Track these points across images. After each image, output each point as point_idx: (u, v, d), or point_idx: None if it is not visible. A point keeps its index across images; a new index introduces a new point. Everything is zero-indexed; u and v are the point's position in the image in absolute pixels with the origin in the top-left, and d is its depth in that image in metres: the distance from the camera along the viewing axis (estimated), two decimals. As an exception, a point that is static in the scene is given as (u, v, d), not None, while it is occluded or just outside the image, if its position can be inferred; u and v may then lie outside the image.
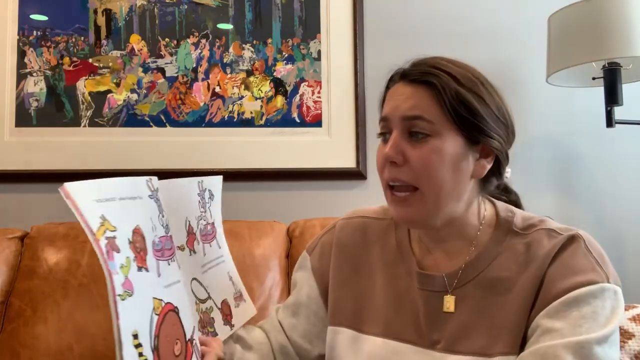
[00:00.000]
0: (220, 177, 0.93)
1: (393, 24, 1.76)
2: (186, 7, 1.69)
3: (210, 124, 1.68)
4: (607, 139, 1.77)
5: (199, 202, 0.85)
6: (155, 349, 0.60)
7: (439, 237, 0.82)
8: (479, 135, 0.75)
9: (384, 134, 0.79)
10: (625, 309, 1.15)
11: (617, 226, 1.78)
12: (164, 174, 1.77)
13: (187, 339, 0.68)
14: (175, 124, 1.67)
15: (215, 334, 0.80)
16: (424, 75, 0.75)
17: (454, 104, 0.73)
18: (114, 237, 0.59)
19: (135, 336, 0.58)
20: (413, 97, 0.75)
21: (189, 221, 0.80)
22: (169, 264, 0.67)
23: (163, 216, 0.69)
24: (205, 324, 0.78)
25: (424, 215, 0.76)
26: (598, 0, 1.46)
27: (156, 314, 0.62)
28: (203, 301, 0.79)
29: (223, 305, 0.84)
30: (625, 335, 1.08)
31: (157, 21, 1.69)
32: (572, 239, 0.75)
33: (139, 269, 0.61)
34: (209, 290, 0.81)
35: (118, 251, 0.59)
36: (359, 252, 0.89)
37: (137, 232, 0.63)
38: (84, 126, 1.64)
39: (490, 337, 0.74)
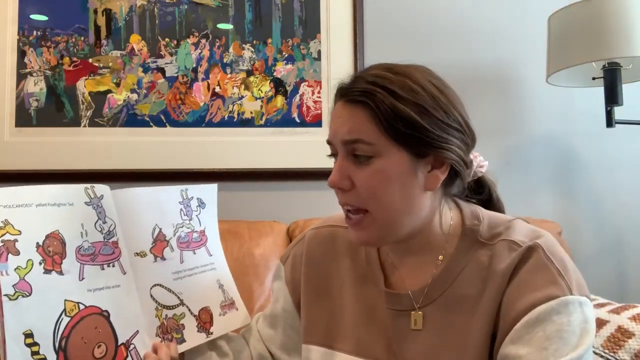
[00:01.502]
0: (214, 186, 0.93)
1: (393, 24, 1.76)
2: (186, 7, 1.69)
3: (210, 124, 1.68)
4: (607, 139, 1.77)
5: (181, 210, 0.86)
6: (61, 350, 0.65)
7: (405, 251, 0.79)
8: (424, 148, 0.71)
9: (334, 155, 0.76)
10: (625, 309, 1.15)
11: (617, 226, 1.78)
12: (164, 174, 1.77)
13: (118, 343, 0.70)
14: (175, 124, 1.67)
15: (182, 340, 0.80)
16: (360, 95, 0.72)
17: (391, 121, 0.69)
18: (15, 241, 0.64)
19: (29, 335, 0.63)
20: (350, 119, 0.72)
21: (160, 229, 0.82)
22: (103, 269, 0.72)
23: (105, 222, 0.74)
24: (170, 330, 0.79)
25: (378, 237, 0.75)
26: (598, 0, 1.46)
27: (68, 316, 0.66)
28: (170, 307, 0.80)
29: (202, 312, 0.85)
30: (626, 334, 1.08)
31: (157, 21, 1.69)
32: (530, 252, 0.71)
33: (47, 271, 0.66)
34: (182, 297, 0.82)
35: (16, 254, 0.64)
36: (329, 264, 0.86)
37: (53, 236, 0.68)
38: (84, 126, 1.64)
39: (457, 357, 0.72)
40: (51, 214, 0.69)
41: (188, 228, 0.87)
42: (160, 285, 0.80)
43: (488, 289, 0.72)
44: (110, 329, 0.71)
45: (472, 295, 0.73)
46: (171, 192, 0.86)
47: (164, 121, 1.67)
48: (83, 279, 0.70)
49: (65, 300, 0.67)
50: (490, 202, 0.84)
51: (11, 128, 1.63)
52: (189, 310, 0.83)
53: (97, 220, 0.74)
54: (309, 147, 1.69)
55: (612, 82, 1.52)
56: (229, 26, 1.71)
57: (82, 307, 0.68)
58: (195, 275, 0.86)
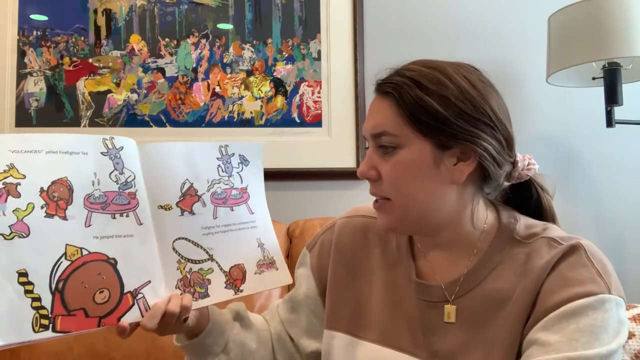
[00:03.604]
0: (259, 145, 0.94)
1: (393, 24, 1.76)
2: (186, 7, 1.69)
3: (210, 124, 1.68)
4: (607, 139, 1.77)
5: (219, 166, 0.87)
6: (58, 291, 0.67)
7: (435, 244, 0.80)
8: (447, 139, 0.72)
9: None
10: (625, 309, 1.15)
11: (617, 226, 1.78)
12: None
13: (124, 291, 0.72)
14: (175, 124, 1.67)
15: (205, 295, 0.81)
16: (386, 85, 0.75)
17: (414, 111, 0.71)
18: (17, 184, 0.67)
19: (23, 274, 0.65)
20: (378, 112, 0.76)
21: (191, 183, 0.83)
22: (114, 218, 0.74)
23: (122, 173, 0.76)
24: (193, 284, 0.80)
25: (398, 223, 0.77)
26: (598, 0, 1.46)
27: (68, 260, 0.68)
28: (196, 262, 0.81)
29: (234, 269, 0.85)
30: (626, 335, 1.08)
31: (157, 21, 1.69)
32: (572, 249, 0.72)
33: (49, 215, 0.68)
34: (212, 252, 0.83)
35: (17, 196, 0.66)
36: (359, 253, 0.87)
37: (60, 182, 0.70)
38: (84, 126, 1.64)
39: (487, 351, 0.72)
40: (61, 161, 0.71)
41: (226, 184, 0.87)
42: (186, 239, 0.81)
43: (524, 282, 0.72)
44: (117, 277, 0.72)
45: (506, 289, 0.73)
46: (208, 148, 0.87)
47: (164, 121, 1.67)
48: (90, 225, 0.71)
49: (67, 244, 0.69)
50: (538, 209, 0.82)
51: (11, 128, 1.63)
52: (219, 266, 0.83)
53: (113, 171, 0.75)
54: (309, 147, 1.69)
55: (612, 82, 1.52)
56: (229, 26, 1.71)
57: (85, 252, 0.70)
58: (230, 232, 0.86)
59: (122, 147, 0.77)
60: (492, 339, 0.72)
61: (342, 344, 0.83)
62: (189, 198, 0.83)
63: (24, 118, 1.63)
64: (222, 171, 0.88)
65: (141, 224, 0.76)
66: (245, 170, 0.91)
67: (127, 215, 0.75)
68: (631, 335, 1.08)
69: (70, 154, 0.72)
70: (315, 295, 0.90)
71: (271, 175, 1.67)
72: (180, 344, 0.83)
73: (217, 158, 0.88)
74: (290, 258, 1.46)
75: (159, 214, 0.79)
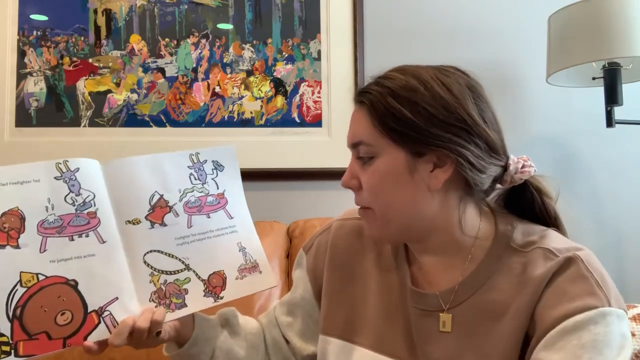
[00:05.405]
0: (231, 148, 0.94)
1: (393, 24, 1.76)
2: (186, 7, 1.69)
3: (210, 124, 1.68)
4: (607, 139, 1.77)
5: (191, 175, 0.87)
6: (15, 318, 0.69)
7: (425, 250, 0.78)
8: (420, 146, 0.70)
9: None
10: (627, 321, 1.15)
11: (617, 226, 1.78)
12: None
13: (88, 310, 0.73)
14: (175, 124, 1.67)
15: (182, 305, 0.80)
16: (361, 95, 0.75)
17: (385, 119, 0.71)
18: None
19: None
20: (355, 122, 0.76)
21: (161, 195, 0.83)
22: (72, 240, 0.74)
23: (78, 194, 0.76)
24: (168, 295, 0.79)
25: (383, 232, 0.76)
26: (598, 0, 1.46)
27: (24, 287, 0.70)
28: (171, 273, 0.81)
29: (213, 277, 0.84)
30: (626, 335, 1.07)
31: (157, 21, 1.69)
32: (569, 262, 0.70)
33: (1, 246, 0.70)
34: (188, 262, 0.83)
35: None
36: (354, 257, 0.86)
37: (11, 213, 0.72)
38: (84, 126, 1.64)
39: None
40: (11, 193, 0.73)
41: (200, 192, 0.87)
42: (158, 251, 0.81)
43: (520, 295, 0.70)
44: (78, 297, 0.73)
45: (501, 300, 0.72)
46: (178, 158, 0.87)
47: (164, 121, 1.67)
48: (45, 250, 0.73)
49: (22, 272, 0.70)
50: (539, 213, 0.79)
51: (11, 128, 1.63)
52: (196, 274, 0.83)
53: (69, 194, 0.76)
54: (309, 147, 1.69)
55: (612, 82, 1.52)
56: (229, 26, 1.71)
57: (42, 277, 0.71)
58: (207, 240, 0.85)
59: (78, 169, 0.77)
60: (488, 352, 0.71)
61: (337, 349, 0.82)
62: (158, 210, 0.82)
63: (24, 118, 1.63)
64: (195, 179, 0.87)
65: (104, 242, 0.76)
66: (221, 176, 0.90)
67: (87, 236, 0.76)
68: (631, 335, 1.08)
69: (21, 183, 0.74)
70: (311, 297, 0.89)
71: (271, 176, 1.68)
72: (169, 354, 0.83)
73: (189, 167, 0.87)
74: (290, 258, 1.46)
75: (127, 229, 0.79)
